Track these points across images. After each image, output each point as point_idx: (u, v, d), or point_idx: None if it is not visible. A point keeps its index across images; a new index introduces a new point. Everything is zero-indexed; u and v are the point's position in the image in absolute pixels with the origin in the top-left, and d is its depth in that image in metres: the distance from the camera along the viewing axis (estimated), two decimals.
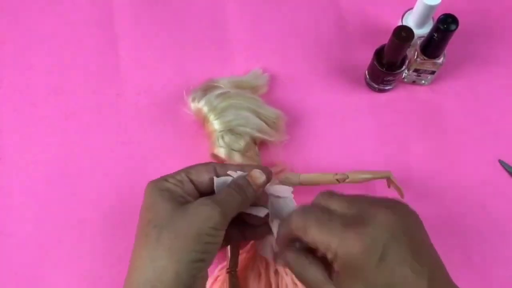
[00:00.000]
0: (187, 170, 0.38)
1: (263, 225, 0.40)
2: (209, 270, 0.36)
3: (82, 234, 0.50)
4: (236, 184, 0.37)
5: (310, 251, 0.34)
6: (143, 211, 0.36)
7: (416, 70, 0.53)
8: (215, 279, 0.46)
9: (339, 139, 0.54)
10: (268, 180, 0.39)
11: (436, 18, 0.47)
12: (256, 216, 0.39)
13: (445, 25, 0.46)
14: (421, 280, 0.29)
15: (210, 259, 0.35)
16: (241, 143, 0.48)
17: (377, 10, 0.60)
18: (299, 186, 0.48)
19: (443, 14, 0.47)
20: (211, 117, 0.49)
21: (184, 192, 0.37)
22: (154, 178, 0.37)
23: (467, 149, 0.54)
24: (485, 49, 0.58)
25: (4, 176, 0.52)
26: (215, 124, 0.49)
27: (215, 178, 0.38)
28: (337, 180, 0.48)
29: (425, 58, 0.51)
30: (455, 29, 0.47)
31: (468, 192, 0.52)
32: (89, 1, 0.60)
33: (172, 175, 0.37)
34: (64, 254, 0.49)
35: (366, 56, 0.54)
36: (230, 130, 0.49)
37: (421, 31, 0.53)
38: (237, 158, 0.48)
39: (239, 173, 0.38)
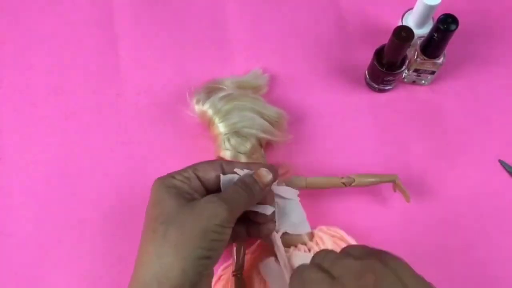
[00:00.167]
0: (194, 167, 0.38)
1: (268, 223, 0.41)
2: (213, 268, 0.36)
3: (82, 234, 0.50)
4: (243, 182, 0.37)
5: None
6: (150, 207, 0.36)
7: (416, 70, 0.53)
8: (219, 278, 0.46)
9: (339, 139, 0.54)
10: (275, 179, 0.39)
11: (436, 18, 0.47)
12: (261, 214, 0.39)
13: (445, 25, 0.46)
14: None
15: (217, 256, 0.35)
16: (247, 146, 0.48)
17: (377, 10, 0.60)
18: (304, 189, 0.48)
19: (443, 14, 0.47)
20: (216, 120, 0.49)
21: (191, 189, 0.37)
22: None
23: (467, 149, 0.54)
24: (485, 49, 0.58)
25: (4, 176, 0.52)
26: (221, 127, 0.49)
27: (221, 175, 0.38)
28: (343, 183, 0.48)
29: (425, 58, 0.51)
30: (455, 29, 0.46)
31: (468, 192, 0.52)
32: (89, 1, 0.60)
33: (179, 172, 0.37)
34: (64, 254, 0.49)
35: (366, 56, 0.54)
36: (236, 133, 0.49)
37: (421, 31, 0.53)
38: (243, 161, 0.48)
39: (246, 171, 0.39)
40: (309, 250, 0.45)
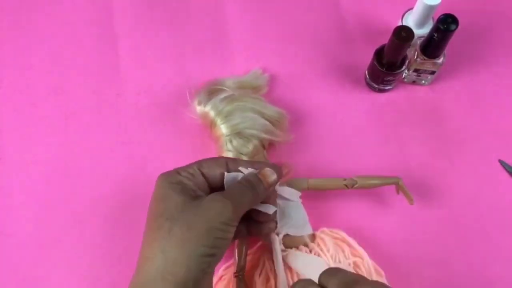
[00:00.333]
0: (199, 163, 0.38)
1: (269, 222, 0.41)
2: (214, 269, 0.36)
3: (82, 234, 0.50)
4: (247, 181, 0.37)
5: None
6: (154, 203, 0.36)
7: (416, 70, 0.53)
8: (220, 278, 0.46)
9: (338, 139, 0.54)
10: (279, 178, 0.39)
11: (436, 18, 0.47)
12: (263, 213, 0.39)
13: (445, 25, 0.46)
14: None
15: (220, 254, 0.35)
16: (249, 147, 0.48)
17: (377, 10, 0.60)
18: (306, 190, 0.48)
19: (443, 14, 0.47)
20: (218, 121, 0.49)
21: (195, 185, 0.37)
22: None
23: (467, 149, 0.54)
24: (485, 49, 0.58)
25: (4, 176, 0.52)
26: (223, 128, 0.49)
27: (225, 173, 0.38)
28: (345, 185, 0.48)
29: (425, 58, 0.51)
30: (455, 29, 0.46)
31: (468, 192, 0.52)
32: (89, 1, 0.60)
33: (184, 168, 0.37)
34: (64, 254, 0.49)
35: (366, 56, 0.54)
36: (238, 134, 0.49)
37: (421, 31, 0.53)
38: None
39: (250, 170, 0.39)
40: (310, 252, 0.45)
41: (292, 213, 0.45)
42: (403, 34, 0.47)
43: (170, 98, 0.55)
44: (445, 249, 0.50)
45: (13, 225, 0.50)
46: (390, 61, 0.51)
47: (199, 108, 0.51)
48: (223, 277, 0.47)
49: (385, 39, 0.50)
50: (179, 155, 0.53)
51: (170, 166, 0.39)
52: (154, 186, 0.37)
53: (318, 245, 0.46)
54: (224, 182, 0.38)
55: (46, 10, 0.60)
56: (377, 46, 0.52)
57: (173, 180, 0.36)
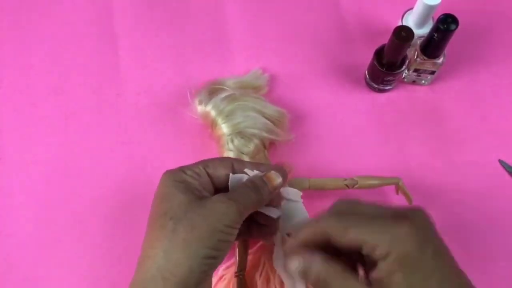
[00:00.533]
0: (205, 163, 0.38)
1: (271, 225, 0.41)
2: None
3: (82, 234, 0.50)
4: (252, 184, 0.37)
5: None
6: (157, 201, 0.36)
7: (416, 70, 0.53)
8: (220, 278, 0.46)
9: (338, 139, 0.54)
10: (284, 182, 0.39)
11: (436, 18, 0.47)
12: (267, 216, 0.39)
13: (445, 25, 0.46)
14: (458, 269, 0.32)
15: (222, 256, 0.35)
16: (250, 147, 0.49)
17: (377, 10, 0.60)
18: (307, 190, 0.48)
19: (443, 14, 0.47)
20: (219, 121, 0.49)
21: (200, 185, 0.36)
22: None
23: (467, 149, 0.54)
24: (485, 49, 0.58)
25: (4, 176, 0.52)
26: (224, 128, 0.49)
27: (231, 174, 0.38)
28: (346, 185, 0.48)
29: (425, 58, 0.51)
30: (455, 29, 0.47)
31: (468, 192, 0.52)
32: (89, 1, 0.60)
33: (189, 167, 0.37)
34: (64, 254, 0.49)
35: (366, 56, 0.54)
36: (239, 133, 0.49)
37: (421, 31, 0.53)
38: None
39: (255, 172, 0.38)
40: None
41: (293, 212, 0.45)
42: (403, 34, 0.47)
43: (170, 98, 0.55)
44: None
45: (13, 225, 0.50)
46: (390, 61, 0.51)
47: (200, 108, 0.51)
48: (223, 277, 0.46)
49: (385, 39, 0.50)
50: (179, 155, 0.53)
51: (170, 166, 0.39)
52: (158, 184, 0.36)
53: None
54: (229, 183, 0.38)
55: (46, 10, 0.60)
56: (377, 46, 0.52)
57: (178, 179, 0.36)
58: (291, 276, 0.43)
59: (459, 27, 0.46)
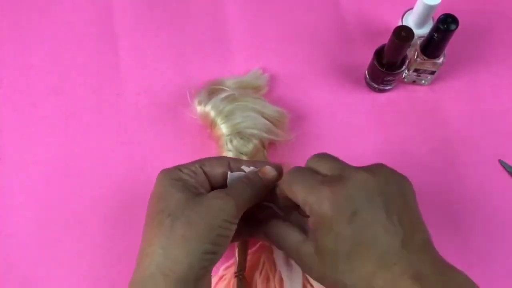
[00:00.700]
0: (201, 162, 0.38)
1: (271, 226, 0.41)
2: (214, 269, 0.36)
3: (82, 234, 0.50)
4: (248, 179, 0.38)
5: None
6: (154, 199, 0.36)
7: (416, 70, 0.53)
8: (220, 278, 0.46)
9: (339, 139, 0.54)
10: (280, 176, 0.39)
11: (436, 18, 0.47)
12: (265, 211, 0.39)
13: (445, 25, 0.46)
14: (394, 240, 0.31)
15: (221, 252, 0.35)
16: (249, 147, 0.49)
17: (377, 10, 0.60)
18: None
19: (443, 14, 0.47)
20: (219, 121, 0.49)
21: (196, 183, 0.37)
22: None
23: (467, 149, 0.54)
24: (485, 49, 0.58)
25: (4, 176, 0.52)
26: (223, 128, 0.49)
27: (229, 173, 0.38)
28: None
29: (425, 58, 0.51)
30: (455, 29, 0.47)
31: (468, 192, 0.52)
32: (89, 1, 0.60)
33: (186, 166, 0.37)
34: (64, 254, 0.49)
35: (366, 56, 0.54)
36: (239, 134, 0.49)
37: (421, 31, 0.53)
38: None
39: (252, 168, 0.39)
40: None
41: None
42: (403, 34, 0.47)
43: (170, 98, 0.55)
44: (445, 249, 0.50)
45: (13, 225, 0.50)
46: (390, 61, 0.51)
47: (199, 108, 0.51)
48: (223, 277, 0.46)
49: (385, 39, 0.50)
50: (179, 155, 0.53)
51: (170, 166, 0.39)
52: (155, 182, 0.37)
53: None
54: (227, 182, 0.38)
55: (46, 10, 0.60)
56: (377, 46, 0.52)
57: (174, 177, 0.36)
58: (290, 274, 0.44)
59: (459, 27, 0.46)
